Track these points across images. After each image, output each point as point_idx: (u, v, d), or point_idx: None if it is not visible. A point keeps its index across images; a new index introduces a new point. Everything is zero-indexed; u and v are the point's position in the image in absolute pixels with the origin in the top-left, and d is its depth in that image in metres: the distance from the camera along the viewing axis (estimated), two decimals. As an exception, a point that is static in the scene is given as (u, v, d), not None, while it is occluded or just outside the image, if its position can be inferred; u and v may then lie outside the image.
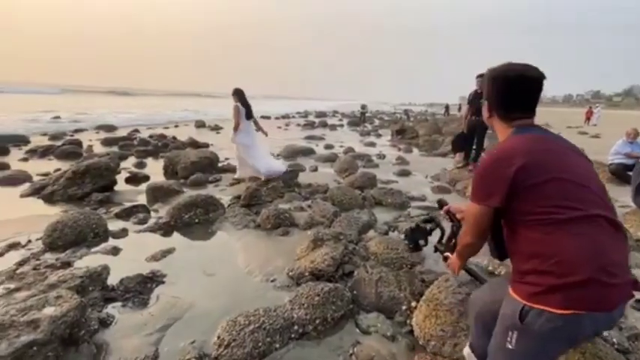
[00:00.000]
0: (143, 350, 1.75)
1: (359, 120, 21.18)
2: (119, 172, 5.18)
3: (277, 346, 1.80)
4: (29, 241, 3.03)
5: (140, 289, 2.27)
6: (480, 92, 5.97)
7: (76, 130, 12.10)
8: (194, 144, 8.64)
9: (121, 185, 4.99)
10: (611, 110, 64.55)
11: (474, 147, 6.25)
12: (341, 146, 10.26)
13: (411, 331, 1.94)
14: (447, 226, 1.72)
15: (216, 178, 5.41)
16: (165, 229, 3.37)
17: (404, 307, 2.12)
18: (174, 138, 9.91)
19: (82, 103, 29.08)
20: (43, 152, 7.02)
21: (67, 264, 2.51)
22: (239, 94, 5.08)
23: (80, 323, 1.72)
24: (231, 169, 6.25)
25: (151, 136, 10.28)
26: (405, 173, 6.48)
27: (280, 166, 5.33)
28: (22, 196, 4.35)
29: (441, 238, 1.94)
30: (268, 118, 22.14)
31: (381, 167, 7.04)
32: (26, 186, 4.71)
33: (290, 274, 2.53)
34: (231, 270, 2.67)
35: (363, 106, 22.75)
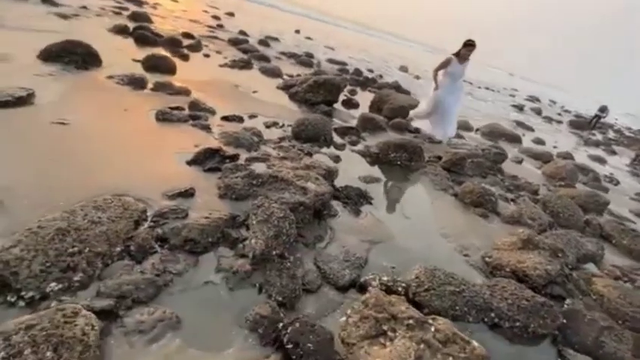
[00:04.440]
0: (359, 249, 2.09)
1: (588, 123, 16.26)
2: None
3: (469, 319, 1.80)
4: (283, 124, 3.92)
5: (356, 201, 2.64)
6: None
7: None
8: (398, 88, 8.73)
9: (338, 105, 5.68)
10: None
11: None
12: (555, 146, 8.32)
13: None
14: None
15: (417, 129, 5.40)
16: (373, 158, 3.70)
17: (629, 377, 1.71)
18: (380, 76, 10.27)
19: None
20: (289, 56, 8.61)
21: (310, 154, 3.14)
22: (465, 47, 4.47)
23: (328, 205, 2.16)
24: (429, 126, 6.09)
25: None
26: (649, 217, 4.76)
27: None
28: (277, 87, 5.58)
29: None
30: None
31: (610, 194, 5.37)
32: (279, 81, 5.99)
33: (487, 259, 2.40)
34: (426, 223, 2.75)
35: (603, 109, 17.01)
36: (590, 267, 2.73)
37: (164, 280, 1.46)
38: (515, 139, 7.25)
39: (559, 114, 18.79)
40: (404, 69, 15.55)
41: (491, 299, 1.91)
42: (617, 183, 6.42)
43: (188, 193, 2.05)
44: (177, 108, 3.33)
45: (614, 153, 10.63)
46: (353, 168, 3.30)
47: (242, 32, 10.20)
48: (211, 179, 2.30)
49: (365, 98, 6.77)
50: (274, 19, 20.96)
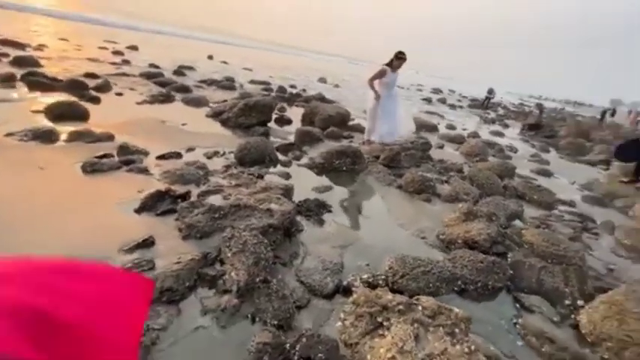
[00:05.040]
0: (333, 256, 2.19)
1: (482, 104, 19.08)
2: (271, 112, 5.95)
3: (443, 292, 2.02)
4: (224, 152, 3.85)
5: (317, 212, 2.74)
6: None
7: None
8: (323, 99, 9.18)
9: (272, 124, 5.76)
10: None
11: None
12: (464, 129, 9.59)
13: (576, 326, 1.94)
14: None
15: (351, 135, 5.76)
16: (320, 169, 3.85)
17: (567, 302, 2.10)
18: (303, 90, 10.66)
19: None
20: (210, 83, 8.43)
21: (261, 176, 3.15)
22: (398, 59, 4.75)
23: (294, 221, 2.22)
24: (360, 129, 6.54)
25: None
26: (544, 173, 5.81)
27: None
28: (206, 116, 5.43)
29: None
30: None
31: (514, 161, 6.41)
32: (206, 109, 5.85)
33: (441, 237, 2.70)
34: (383, 218, 2.98)
35: (490, 91, 20.20)
36: (517, 223, 3.25)
37: (150, 339, 1.35)
38: (433, 128, 8.18)
39: (459, 100, 21.67)
40: (323, 80, 16.37)
41: (454, 270, 2.16)
42: (516, 150, 7.68)
43: (147, 243, 1.92)
44: (104, 156, 3.05)
45: (507, 126, 12.65)
46: (304, 181, 3.41)
47: (153, 65, 9.67)
48: (168, 223, 2.18)
49: (295, 113, 6.97)
50: (182, 47, 20.28)
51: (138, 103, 5.50)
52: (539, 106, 18.92)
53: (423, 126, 8.08)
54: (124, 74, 7.71)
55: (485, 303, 2.06)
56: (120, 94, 5.85)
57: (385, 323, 1.50)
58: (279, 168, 3.69)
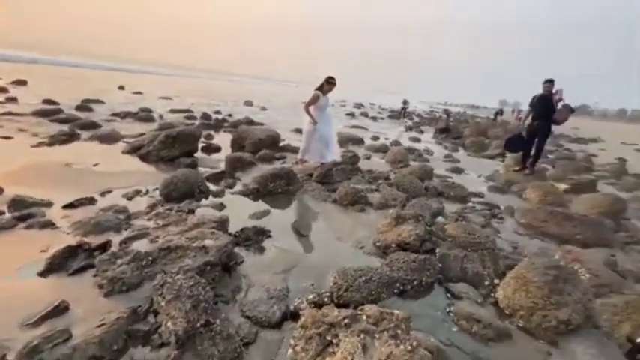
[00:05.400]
0: (277, 282, 2.16)
1: (399, 114, 21.04)
2: (197, 141, 5.71)
3: (385, 296, 2.14)
4: (147, 191, 3.55)
5: (256, 239, 2.69)
6: (546, 96, 5.95)
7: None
8: (251, 122, 9.14)
9: (199, 153, 5.52)
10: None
11: (533, 152, 6.26)
12: (386, 138, 10.43)
13: (496, 302, 2.23)
14: None
15: (283, 156, 5.82)
16: (255, 195, 3.80)
17: (487, 282, 2.41)
18: (229, 115, 10.48)
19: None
20: (123, 116, 7.75)
21: (192, 211, 2.98)
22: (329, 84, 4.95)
23: (233, 254, 2.14)
24: (291, 149, 6.66)
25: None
26: (457, 170, 6.62)
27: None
28: (123, 153, 4.97)
29: None
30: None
31: (432, 163, 7.19)
32: (121, 144, 5.35)
33: (377, 244, 2.87)
34: (322, 234, 3.05)
35: (405, 102, 22.53)
36: (440, 219, 3.63)
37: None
38: (360, 141, 8.73)
39: (379, 112, 23.56)
40: (249, 103, 16.33)
41: (392, 273, 2.31)
42: (432, 153, 8.60)
43: (59, 309, 1.66)
44: (-8, 214, 2.57)
45: (422, 132, 14.14)
46: (240, 210, 3.33)
47: (49, 101, 8.53)
48: (85, 281, 1.92)
49: (223, 140, 6.81)
50: (85, 79, 18.37)
51: (33, 147, 4.78)
52: (446, 112, 21.63)
53: (350, 140, 8.58)
54: (11, 113, 6.65)
55: (422, 299, 2.24)
56: (9, 138, 5.02)
57: (334, 340, 1.53)
58: (212, 199, 3.54)
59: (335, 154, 5.21)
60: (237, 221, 2.95)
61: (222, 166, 4.83)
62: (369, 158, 6.87)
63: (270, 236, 2.83)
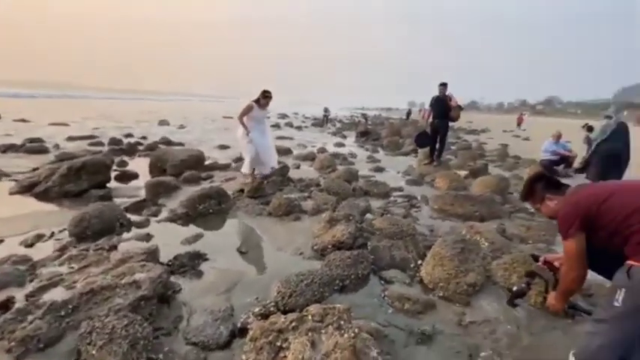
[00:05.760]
0: (221, 305, 2.13)
1: (322, 122, 21.94)
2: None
3: (327, 294, 2.29)
4: (52, 233, 3.11)
5: (192, 264, 2.60)
6: (441, 98, 6.95)
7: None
8: (170, 142, 8.57)
9: (112, 183, 5.00)
10: (536, 117, 73.54)
11: (437, 146, 7.22)
12: (313, 146, 10.82)
13: (421, 280, 2.56)
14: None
15: (210, 175, 5.63)
16: (184, 219, 3.63)
17: (412, 265, 2.75)
18: (144, 137, 9.65)
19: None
20: (4, 150, 6.55)
21: (114, 247, 2.72)
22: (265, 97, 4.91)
23: (169, 284, 2.05)
24: (218, 167, 6.48)
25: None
26: (379, 169, 7.24)
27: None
28: (11, 193, 4.22)
29: (546, 288, 1.94)
30: (230, 117, 21.91)
31: (356, 165, 7.73)
32: (7, 184, 4.55)
33: (315, 247, 3.02)
34: (261, 248, 3.08)
35: (326, 109, 23.62)
36: (368, 216, 3.96)
37: None
38: (288, 151, 8.89)
39: (303, 121, 24.20)
40: (165, 122, 15.24)
41: (330, 272, 2.47)
42: (356, 156, 9.22)
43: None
44: None
45: (345, 137, 15.01)
46: (170, 237, 3.15)
47: None
48: (-14, 349, 1.62)
49: (140, 165, 6.29)
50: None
51: None
52: (364, 116, 23.41)
53: (278, 151, 8.65)
54: None
55: (360, 290, 2.44)
56: None
57: (284, 345, 1.61)
58: (135, 231, 3.28)
59: (273, 161, 5.23)
60: (169, 249, 2.80)
61: (142, 194, 4.47)
62: (298, 167, 7.06)
63: (207, 259, 2.76)
